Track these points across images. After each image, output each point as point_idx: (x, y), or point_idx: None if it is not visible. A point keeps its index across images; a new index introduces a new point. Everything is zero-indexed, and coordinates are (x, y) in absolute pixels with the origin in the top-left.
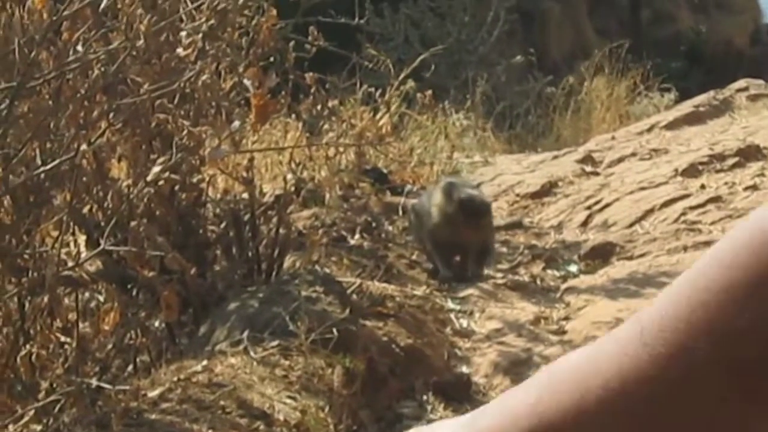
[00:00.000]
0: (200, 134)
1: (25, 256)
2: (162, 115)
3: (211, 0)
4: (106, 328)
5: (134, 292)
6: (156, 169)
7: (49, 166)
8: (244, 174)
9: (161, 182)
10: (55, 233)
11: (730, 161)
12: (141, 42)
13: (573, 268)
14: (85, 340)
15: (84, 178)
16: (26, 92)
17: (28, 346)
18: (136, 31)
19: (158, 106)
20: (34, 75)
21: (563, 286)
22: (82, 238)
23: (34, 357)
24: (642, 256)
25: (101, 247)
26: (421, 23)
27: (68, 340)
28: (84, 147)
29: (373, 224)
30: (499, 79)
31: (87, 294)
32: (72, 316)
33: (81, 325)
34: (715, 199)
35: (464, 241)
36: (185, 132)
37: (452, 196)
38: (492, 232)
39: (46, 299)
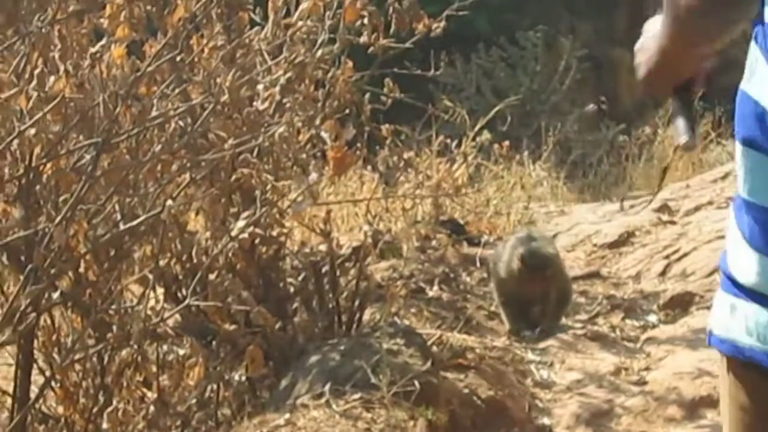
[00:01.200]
0: (283, 188)
1: (110, 312)
2: (245, 170)
3: (288, 53)
4: (191, 382)
5: (214, 345)
6: (240, 223)
7: (136, 222)
8: (322, 226)
9: (244, 236)
10: (133, 287)
11: None
12: (225, 97)
13: (652, 318)
14: (165, 393)
15: (170, 234)
16: (108, 148)
17: (114, 402)
18: (220, 85)
19: (241, 161)
20: (117, 131)
21: (643, 337)
22: (159, 291)
23: (120, 413)
24: None
25: (186, 302)
26: (493, 73)
27: (150, 394)
28: (170, 203)
29: (451, 275)
30: (572, 128)
31: (165, 347)
32: (152, 370)
33: (158, 379)
34: None
35: (530, 294)
36: (269, 186)
37: (515, 250)
38: (560, 283)
39: (129, 353)
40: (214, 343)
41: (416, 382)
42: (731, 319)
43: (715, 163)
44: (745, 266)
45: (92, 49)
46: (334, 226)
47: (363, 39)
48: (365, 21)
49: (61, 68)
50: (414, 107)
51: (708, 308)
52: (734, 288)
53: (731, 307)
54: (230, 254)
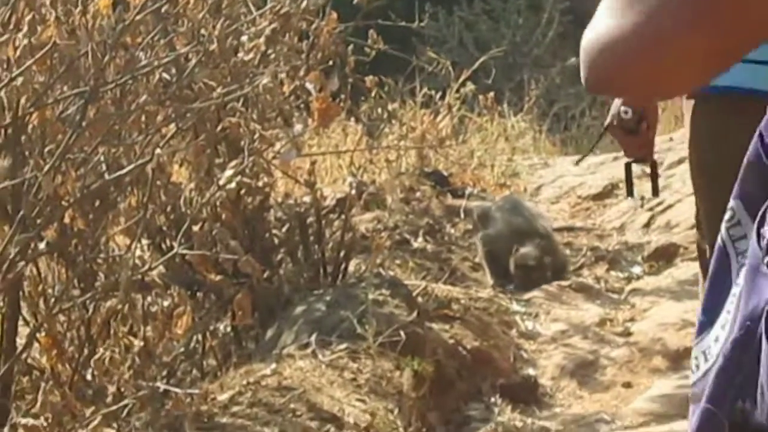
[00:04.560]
0: (271, 137)
1: (98, 261)
2: (232, 119)
3: (274, 4)
4: (179, 331)
5: (199, 296)
6: (228, 172)
7: (125, 171)
8: (307, 177)
9: (231, 186)
10: (118, 239)
11: None
12: (214, 46)
13: (637, 270)
14: (150, 344)
15: (158, 182)
16: (95, 98)
17: (101, 350)
18: (209, 35)
19: (229, 110)
20: (104, 81)
21: (627, 288)
22: (144, 243)
23: (107, 360)
24: None
25: (175, 250)
26: (475, 26)
27: (136, 342)
28: (158, 151)
29: (436, 227)
30: (554, 81)
31: (149, 299)
32: (138, 319)
33: (145, 329)
34: None
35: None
36: (257, 135)
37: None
38: (556, 259)
39: (115, 303)
40: (199, 294)
41: (402, 333)
42: None
43: None
44: None
45: None
46: (318, 177)
47: None
48: None
49: (52, 15)
50: (398, 59)
51: (692, 260)
52: None
53: None
54: (216, 205)
